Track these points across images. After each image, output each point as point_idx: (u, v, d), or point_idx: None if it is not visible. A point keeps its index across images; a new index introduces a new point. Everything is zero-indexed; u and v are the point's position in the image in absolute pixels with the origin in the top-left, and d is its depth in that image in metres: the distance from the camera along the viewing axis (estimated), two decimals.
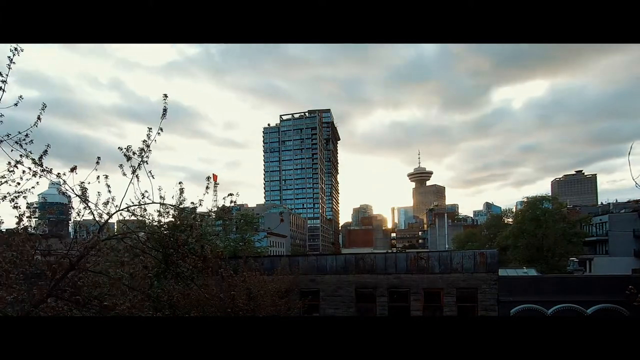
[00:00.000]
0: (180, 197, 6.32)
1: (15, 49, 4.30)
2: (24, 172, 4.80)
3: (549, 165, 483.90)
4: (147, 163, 5.42)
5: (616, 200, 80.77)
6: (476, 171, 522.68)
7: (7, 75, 4.40)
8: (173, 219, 6.61)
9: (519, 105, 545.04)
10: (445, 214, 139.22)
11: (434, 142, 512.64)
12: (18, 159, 4.78)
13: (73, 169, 5.06)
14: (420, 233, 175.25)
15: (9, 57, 4.36)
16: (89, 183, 5.24)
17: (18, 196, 4.82)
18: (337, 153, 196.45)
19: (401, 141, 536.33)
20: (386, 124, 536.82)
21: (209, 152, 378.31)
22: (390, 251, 43.82)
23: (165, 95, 5.47)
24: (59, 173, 5.03)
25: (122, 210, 5.52)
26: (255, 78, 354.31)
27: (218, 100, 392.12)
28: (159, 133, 5.40)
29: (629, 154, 5.86)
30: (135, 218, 6.05)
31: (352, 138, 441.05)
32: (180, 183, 6.38)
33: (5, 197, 4.79)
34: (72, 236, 6.13)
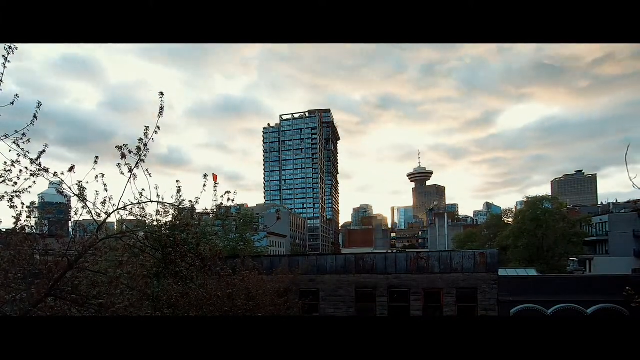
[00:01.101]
0: (178, 196, 6.29)
1: (10, 47, 4.34)
2: (20, 171, 4.82)
3: (559, 170, 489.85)
4: (144, 162, 5.43)
5: (616, 200, 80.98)
6: (488, 178, 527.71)
7: (2, 74, 4.44)
8: (172, 219, 6.60)
9: (528, 121, 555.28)
10: (445, 214, 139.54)
11: (445, 153, 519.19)
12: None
13: (71, 169, 5.08)
14: (420, 233, 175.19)
15: (3, 55, 4.40)
16: (87, 183, 5.25)
17: (14, 196, 4.83)
18: (337, 153, 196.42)
19: (415, 151, 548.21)
20: (403, 136, 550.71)
21: (242, 152, 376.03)
22: (390, 251, 43.80)
23: (162, 93, 5.48)
24: (55, 172, 5.05)
25: (120, 209, 5.52)
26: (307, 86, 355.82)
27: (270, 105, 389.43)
28: (156, 132, 5.43)
29: (626, 155, 5.88)
30: (135, 217, 6.05)
31: (371, 145, 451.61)
32: (177, 181, 6.37)
33: (3, 196, 4.80)
34: (71, 235, 6.13)
